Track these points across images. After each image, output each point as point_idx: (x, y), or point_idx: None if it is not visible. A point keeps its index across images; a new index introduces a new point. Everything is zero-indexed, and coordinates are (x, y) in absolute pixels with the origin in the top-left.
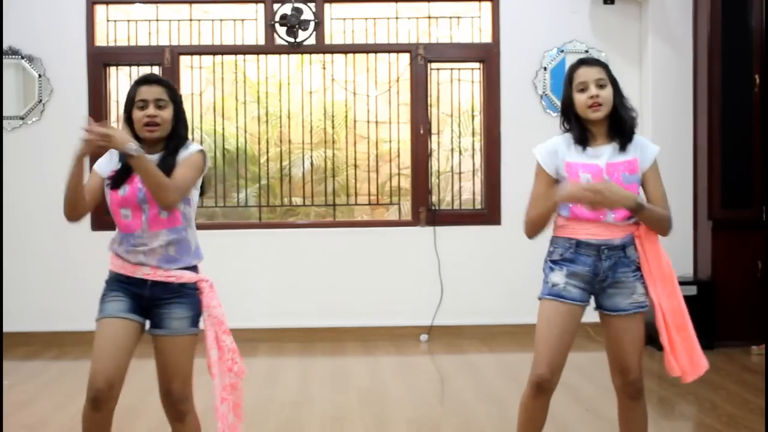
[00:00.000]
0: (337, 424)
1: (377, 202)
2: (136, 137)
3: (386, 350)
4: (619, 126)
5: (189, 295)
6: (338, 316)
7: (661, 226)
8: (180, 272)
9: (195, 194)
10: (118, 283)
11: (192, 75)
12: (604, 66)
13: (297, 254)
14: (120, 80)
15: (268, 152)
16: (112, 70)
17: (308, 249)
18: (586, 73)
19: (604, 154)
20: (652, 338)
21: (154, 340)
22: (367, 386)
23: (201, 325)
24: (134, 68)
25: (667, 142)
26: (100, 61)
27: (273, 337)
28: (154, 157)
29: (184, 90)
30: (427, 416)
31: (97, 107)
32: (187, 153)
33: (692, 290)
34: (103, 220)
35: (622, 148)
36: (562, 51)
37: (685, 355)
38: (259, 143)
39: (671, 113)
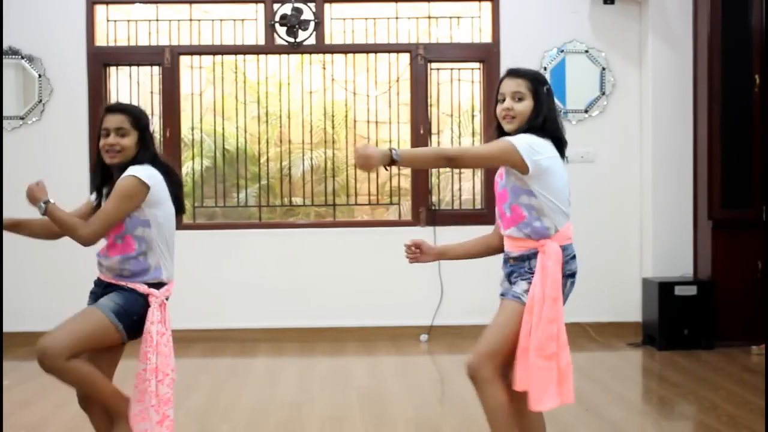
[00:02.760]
0: (337, 425)
1: (377, 202)
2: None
3: (386, 350)
4: None
5: (131, 293)
6: (338, 316)
7: (428, 162)
8: (133, 282)
9: (159, 214)
10: (92, 287)
11: (192, 75)
12: (531, 79)
13: (297, 254)
14: (120, 80)
15: (268, 152)
16: (112, 70)
17: (308, 249)
18: (506, 85)
19: None
20: (651, 338)
21: None
22: (367, 386)
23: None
24: (134, 68)
25: (667, 142)
26: (100, 61)
27: (273, 337)
28: None
29: (184, 90)
30: (427, 416)
31: (97, 107)
32: (119, 180)
33: (692, 290)
34: None
35: None
36: (562, 51)
37: (541, 384)
38: (259, 143)
39: (671, 113)
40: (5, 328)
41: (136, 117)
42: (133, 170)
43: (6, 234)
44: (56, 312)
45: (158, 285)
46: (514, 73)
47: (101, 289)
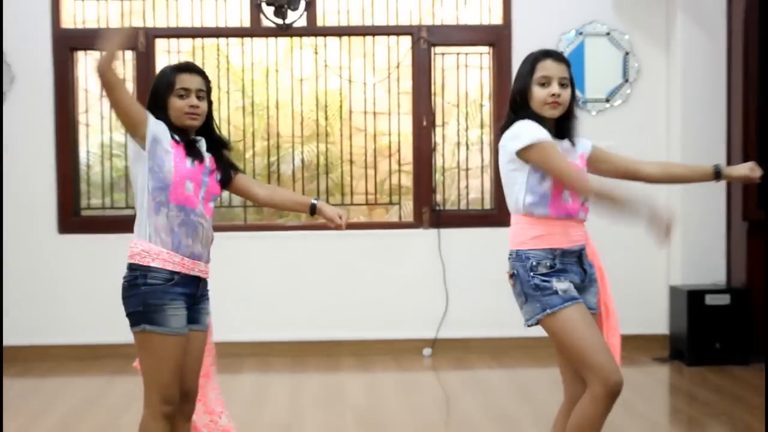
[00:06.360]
0: None
1: (375, 201)
2: (169, 124)
3: (385, 366)
4: (567, 128)
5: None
6: (332, 328)
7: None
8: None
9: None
10: (173, 287)
11: (169, 60)
12: (569, 65)
13: (286, 259)
14: (89, 66)
15: (254, 147)
16: (80, 55)
17: (298, 253)
18: (551, 68)
19: (569, 148)
20: (679, 353)
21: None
22: (363, 406)
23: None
24: None
25: (697, 134)
26: (67, 45)
27: (260, 351)
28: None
29: None
30: None
31: (64, 96)
32: None
33: (725, 299)
34: (71, 222)
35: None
36: (581, 33)
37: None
38: (243, 137)
39: (702, 102)
40: None
41: (209, 82)
42: None
43: None
44: (18, 325)
45: None
46: (557, 56)
47: (199, 289)
